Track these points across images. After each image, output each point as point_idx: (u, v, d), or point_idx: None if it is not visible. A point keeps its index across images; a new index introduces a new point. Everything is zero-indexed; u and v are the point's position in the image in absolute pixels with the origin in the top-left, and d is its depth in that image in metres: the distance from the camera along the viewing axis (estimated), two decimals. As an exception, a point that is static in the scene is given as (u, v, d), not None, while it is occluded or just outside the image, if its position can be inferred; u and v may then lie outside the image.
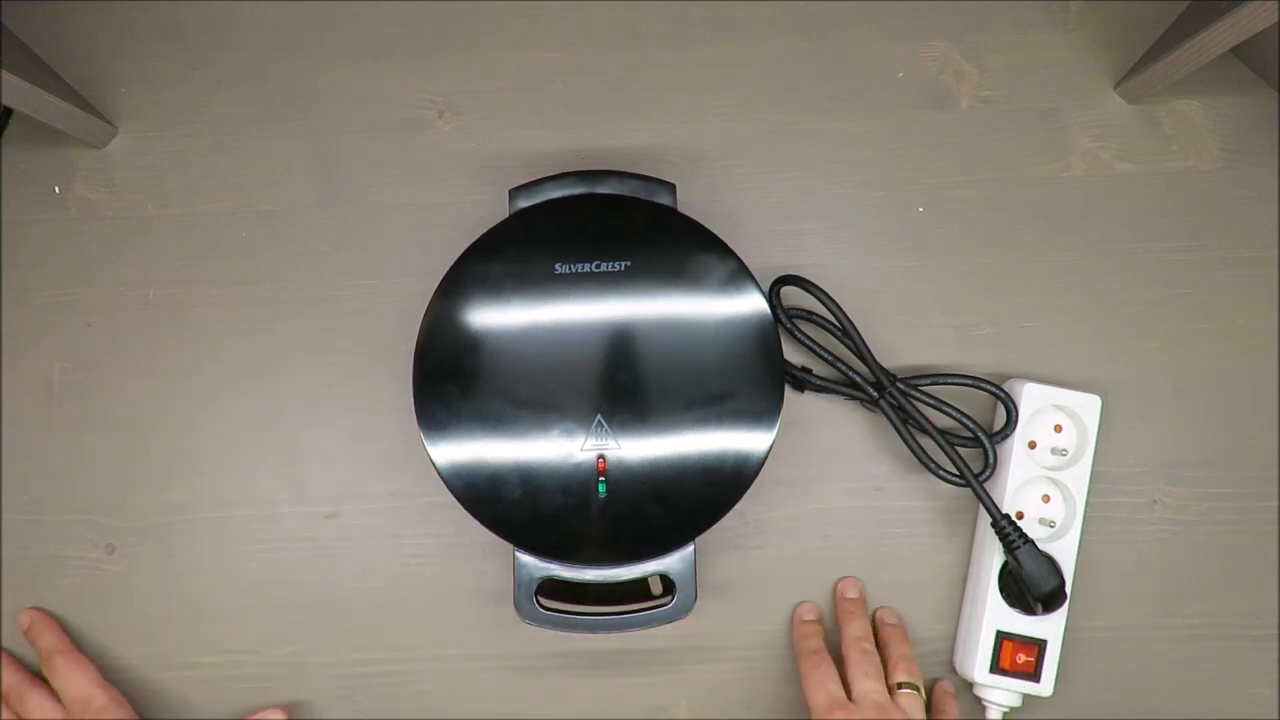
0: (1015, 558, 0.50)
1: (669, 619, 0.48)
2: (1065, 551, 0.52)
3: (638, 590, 0.50)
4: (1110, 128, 0.57)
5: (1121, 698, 0.54)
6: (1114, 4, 0.57)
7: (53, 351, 0.56)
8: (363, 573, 0.55)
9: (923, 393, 0.53)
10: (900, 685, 0.50)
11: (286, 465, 0.55)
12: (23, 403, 0.55)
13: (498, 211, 0.50)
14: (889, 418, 0.53)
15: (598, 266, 0.48)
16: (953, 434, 0.52)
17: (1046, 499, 0.53)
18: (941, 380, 0.53)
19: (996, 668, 0.51)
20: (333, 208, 0.57)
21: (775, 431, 0.47)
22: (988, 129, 0.57)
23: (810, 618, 0.54)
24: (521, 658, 0.54)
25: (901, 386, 0.52)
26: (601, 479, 0.47)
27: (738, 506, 0.48)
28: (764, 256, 0.54)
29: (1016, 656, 0.51)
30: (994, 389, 0.52)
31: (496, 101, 0.57)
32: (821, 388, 0.54)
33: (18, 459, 0.55)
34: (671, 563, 0.48)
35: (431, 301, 0.48)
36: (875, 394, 0.53)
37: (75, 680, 0.52)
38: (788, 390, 0.52)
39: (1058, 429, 0.53)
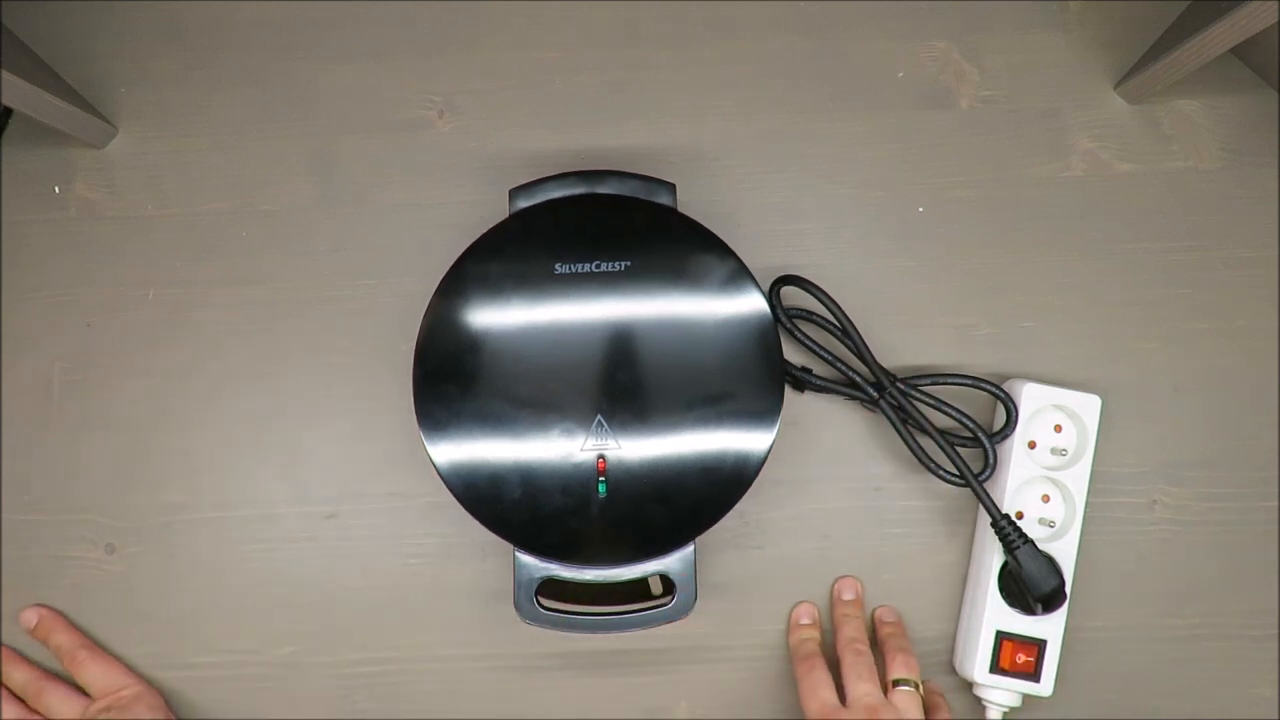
0: (1015, 558, 0.50)
1: (669, 619, 0.48)
2: (1065, 551, 0.52)
3: (638, 590, 0.50)
4: (1110, 128, 0.57)
5: (1121, 698, 0.54)
6: (1114, 4, 0.58)
7: (53, 351, 0.56)
8: (363, 573, 0.55)
9: (923, 393, 0.53)
10: (897, 683, 0.50)
11: (286, 465, 0.55)
12: (23, 403, 0.55)
13: (498, 211, 0.50)
14: (889, 418, 0.53)
15: (598, 266, 0.48)
16: (953, 434, 0.52)
17: (1046, 499, 0.53)
18: (941, 380, 0.53)
19: (996, 668, 0.51)
20: (333, 208, 0.57)
21: (775, 431, 0.47)
22: (988, 129, 0.57)
23: (806, 621, 0.54)
24: (521, 658, 0.54)
25: (901, 386, 0.52)
26: (601, 479, 0.47)
27: (738, 506, 0.47)
28: (764, 256, 0.54)
29: (1016, 656, 0.51)
30: (994, 389, 0.52)
31: (496, 101, 0.57)
32: (821, 388, 0.54)
33: (18, 459, 0.55)
34: (671, 563, 0.48)
35: (431, 301, 0.48)
36: (875, 394, 0.53)
37: (106, 672, 0.52)
38: (788, 390, 0.52)
39: (1058, 429, 0.53)
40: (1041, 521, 0.53)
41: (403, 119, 0.57)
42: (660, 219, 0.50)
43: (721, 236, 0.49)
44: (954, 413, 0.52)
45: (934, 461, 0.52)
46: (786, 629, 0.54)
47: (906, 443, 0.52)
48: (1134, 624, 0.54)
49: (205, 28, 0.58)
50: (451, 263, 0.49)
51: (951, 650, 0.54)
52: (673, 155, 0.57)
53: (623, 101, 0.57)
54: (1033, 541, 0.50)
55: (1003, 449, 0.53)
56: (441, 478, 0.47)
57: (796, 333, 0.53)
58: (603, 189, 0.50)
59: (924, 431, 0.52)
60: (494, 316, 0.48)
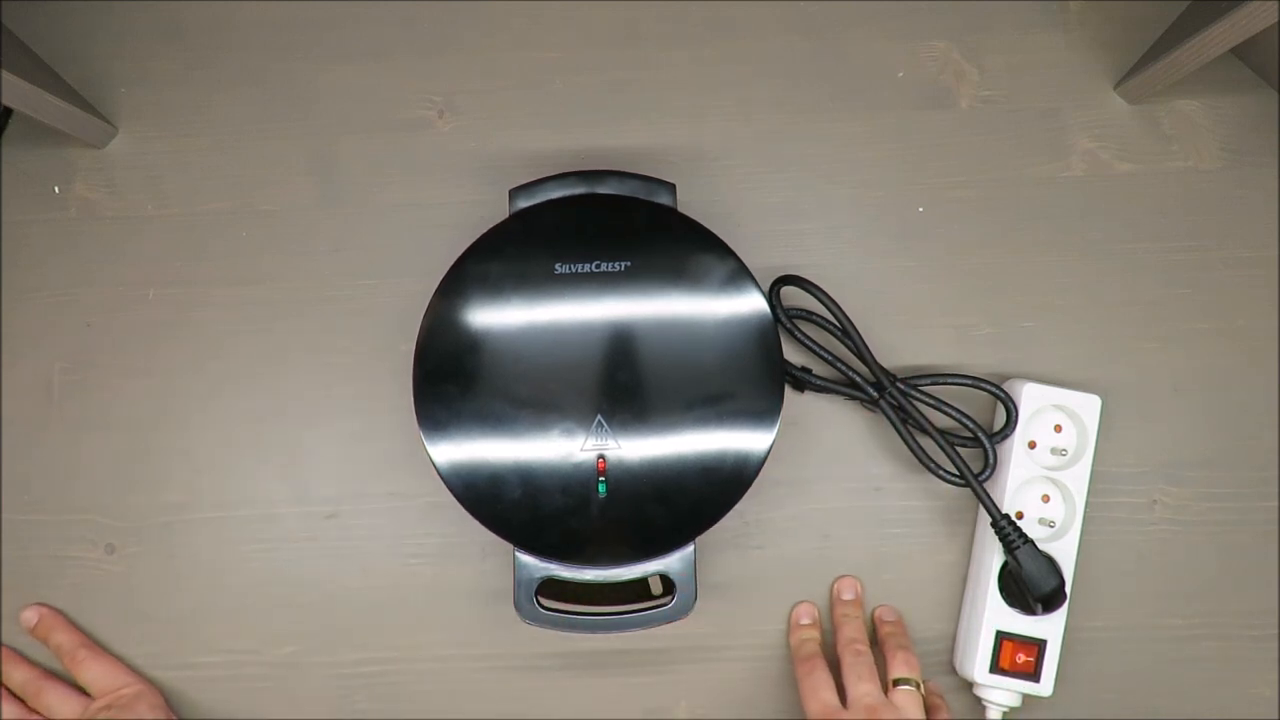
0: (1015, 558, 0.50)
1: (669, 619, 0.48)
2: (1065, 551, 0.52)
3: (638, 590, 0.50)
4: (1110, 128, 0.57)
5: (1121, 698, 0.54)
6: (1114, 4, 0.58)
7: (53, 351, 0.56)
8: (363, 573, 0.55)
9: (923, 393, 0.53)
10: (897, 682, 0.50)
11: (286, 465, 0.55)
12: (23, 403, 0.55)
13: (498, 211, 0.50)
14: (889, 418, 0.53)
15: (598, 266, 0.48)
16: (953, 434, 0.52)
17: (1046, 499, 0.53)
18: (941, 380, 0.53)
19: (996, 668, 0.51)
20: (333, 208, 0.57)
21: (775, 431, 0.47)
22: (988, 129, 0.57)
23: (806, 621, 0.54)
24: (521, 658, 0.54)
25: (901, 386, 0.52)
26: (601, 479, 0.47)
27: (738, 506, 0.47)
28: (764, 256, 0.54)
29: (1016, 656, 0.51)
30: (994, 389, 0.52)
31: (496, 101, 0.57)
32: (821, 388, 0.54)
33: (18, 459, 0.55)
34: (671, 563, 0.48)
35: (431, 301, 0.48)
36: (875, 394, 0.53)
37: (107, 671, 0.52)
38: (788, 390, 0.52)
39: (1058, 429, 0.53)
40: (1041, 521, 0.53)
41: (403, 119, 0.57)
42: (660, 219, 0.50)
43: (721, 236, 0.49)
44: (954, 413, 0.52)
45: (934, 461, 0.52)
46: (787, 629, 0.54)
47: (906, 443, 0.52)
48: (1134, 624, 0.54)
49: (205, 28, 0.58)
50: (451, 263, 0.49)
51: (951, 650, 0.54)
52: (673, 155, 0.57)
53: (623, 101, 0.57)
54: (1033, 541, 0.50)
55: (1003, 449, 0.53)
56: (441, 478, 0.47)
57: (796, 333, 0.53)
58: (603, 189, 0.50)
59: (924, 431, 0.52)
60: (494, 316, 0.48)
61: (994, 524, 0.51)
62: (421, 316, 0.48)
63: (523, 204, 0.50)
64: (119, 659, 0.54)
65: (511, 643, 0.54)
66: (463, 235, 0.49)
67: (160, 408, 0.55)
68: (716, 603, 0.54)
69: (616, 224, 0.50)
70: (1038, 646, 0.51)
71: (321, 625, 0.54)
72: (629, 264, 0.49)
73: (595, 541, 0.47)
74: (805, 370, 0.54)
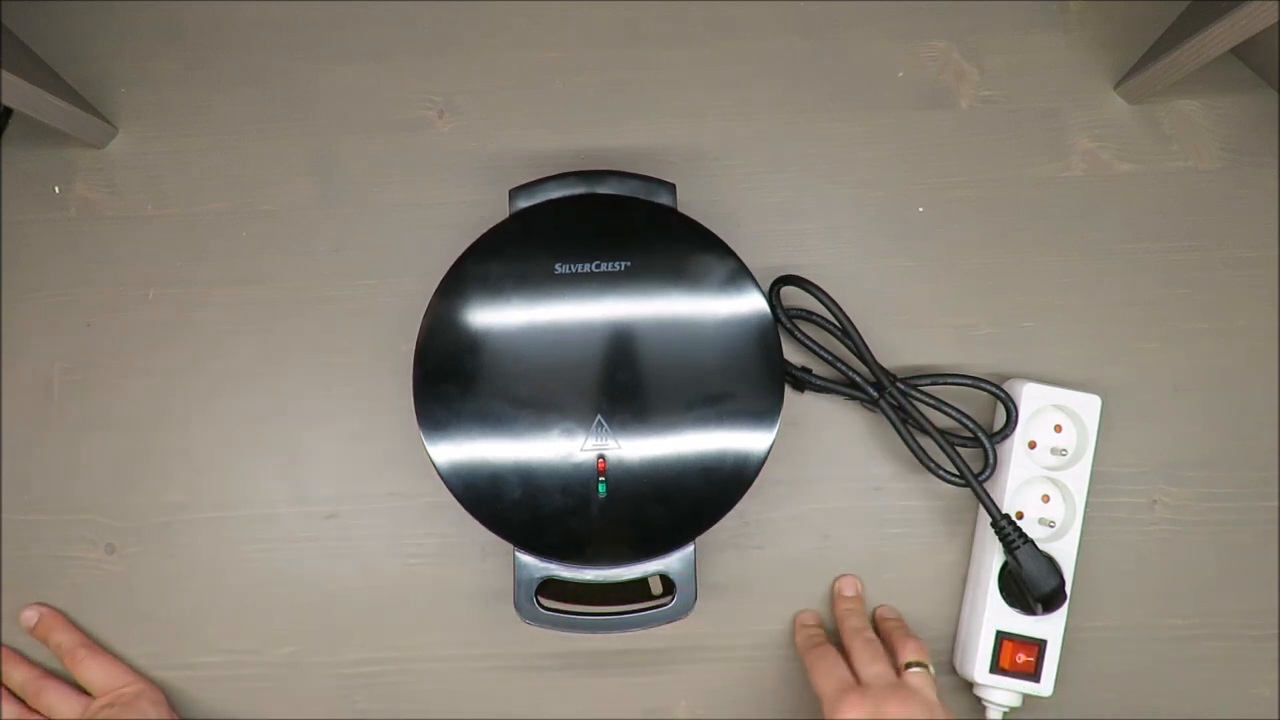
0: (1015, 558, 0.50)
1: (669, 619, 0.48)
2: (1065, 551, 0.52)
3: (638, 590, 0.50)
4: (1110, 128, 0.57)
5: (1121, 698, 0.54)
6: (1114, 4, 0.58)
7: (53, 351, 0.56)
8: (363, 573, 0.55)
9: (923, 393, 0.53)
10: (909, 665, 0.49)
11: (286, 465, 0.55)
12: (23, 403, 0.55)
13: (498, 211, 0.50)
14: (889, 418, 0.53)
15: (598, 266, 0.48)
16: (953, 434, 0.52)
17: (1046, 499, 0.53)
18: (941, 380, 0.53)
19: (996, 668, 0.51)
20: (333, 208, 0.57)
21: (775, 431, 0.47)
22: (988, 129, 0.57)
23: (811, 622, 0.54)
24: (521, 658, 0.54)
25: (901, 386, 0.52)
26: (601, 479, 0.47)
27: (738, 506, 0.48)
28: (764, 256, 0.54)
29: (1016, 656, 0.51)
30: (994, 389, 0.52)
31: (496, 101, 0.57)
32: (821, 388, 0.54)
33: (18, 459, 0.55)
34: (671, 563, 0.48)
35: (431, 301, 0.48)
36: (875, 394, 0.53)
37: (107, 670, 0.52)
38: (788, 390, 0.52)
39: (1058, 429, 0.53)
40: (1041, 521, 0.53)
41: (403, 119, 0.57)
42: (660, 219, 0.50)
43: (721, 236, 0.49)
44: (954, 413, 0.52)
45: (934, 461, 0.52)
46: (789, 627, 0.54)
47: (906, 443, 0.52)
48: (1134, 624, 0.54)
49: (205, 28, 0.58)
50: (451, 263, 0.49)
51: (951, 650, 0.54)
52: (673, 155, 0.57)
53: (623, 101, 0.57)
54: (1033, 541, 0.50)
55: (1003, 449, 0.53)
56: (441, 478, 0.47)
57: (796, 333, 0.53)
58: (603, 189, 0.50)
59: (924, 431, 0.52)
60: (494, 316, 0.48)
61: (994, 524, 0.51)
62: (421, 316, 0.48)
63: (523, 204, 0.50)
64: (119, 659, 0.54)
65: (511, 643, 0.54)
66: (463, 235, 0.49)
67: (160, 408, 0.55)
68: (716, 603, 0.54)
69: (616, 224, 0.50)
70: (1038, 646, 0.51)
71: (321, 625, 0.54)
72: (629, 264, 0.49)
73: (595, 541, 0.47)
74: (805, 370, 0.54)
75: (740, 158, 0.57)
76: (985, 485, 0.51)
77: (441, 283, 0.49)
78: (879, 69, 0.57)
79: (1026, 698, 0.52)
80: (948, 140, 0.57)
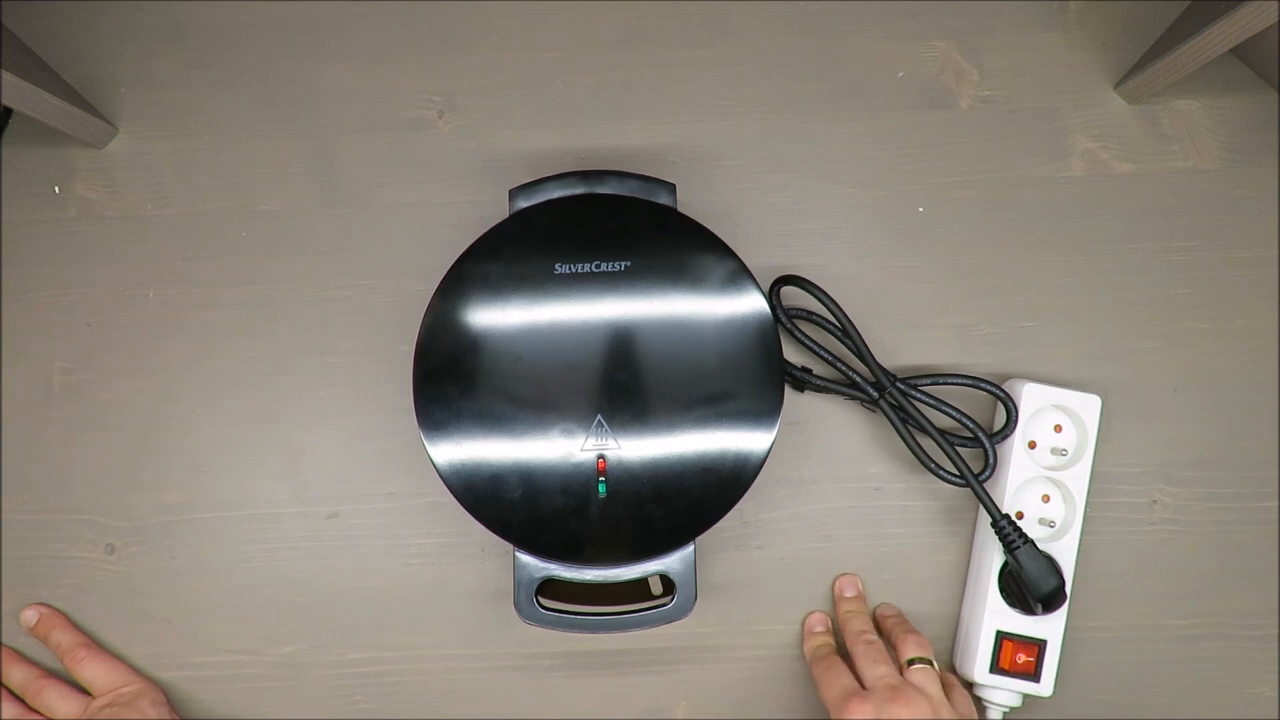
0: (1015, 558, 0.50)
1: (669, 619, 0.48)
2: (1065, 551, 0.52)
3: (638, 590, 0.50)
4: (1110, 128, 0.57)
5: (1121, 698, 0.54)
6: (1114, 4, 0.58)
7: (53, 351, 0.56)
8: (362, 573, 0.55)
9: (923, 393, 0.53)
10: (912, 662, 0.49)
11: (286, 465, 0.55)
12: (23, 403, 0.55)
13: (498, 211, 0.50)
14: (889, 418, 0.53)
15: (598, 266, 0.48)
16: (953, 434, 0.52)
17: (1046, 499, 0.53)
18: (941, 380, 0.53)
19: (996, 668, 0.51)
20: (333, 208, 0.57)
21: (775, 431, 0.47)
22: (988, 129, 0.57)
23: (820, 629, 0.54)
24: (521, 658, 0.54)
25: (901, 386, 0.52)
26: (601, 479, 0.47)
27: (738, 506, 0.47)
28: (764, 256, 0.54)
29: (1016, 656, 0.51)
30: (994, 389, 0.52)
31: (496, 101, 0.57)
32: (821, 388, 0.54)
33: (18, 459, 0.55)
34: (671, 563, 0.48)
35: (431, 301, 0.48)
36: (875, 394, 0.53)
37: (108, 670, 0.52)
38: (788, 390, 0.52)
39: (1058, 429, 0.53)
40: (1041, 521, 0.53)
41: (403, 119, 0.57)
42: (660, 219, 0.50)
43: (721, 236, 0.49)
44: (954, 413, 0.52)
45: (934, 461, 0.52)
46: (789, 626, 0.54)
47: (906, 443, 0.52)
48: (1134, 624, 0.54)
49: (205, 27, 0.58)
50: (451, 263, 0.49)
51: (951, 650, 0.54)
52: (673, 155, 0.57)
53: (623, 101, 0.57)
54: (1033, 541, 0.50)
55: (1003, 449, 0.53)
56: (441, 478, 0.47)
57: (796, 333, 0.53)
58: (603, 189, 0.50)
59: (924, 431, 0.52)
60: (494, 316, 0.48)
61: (994, 524, 0.51)
62: (421, 316, 0.48)
63: (523, 204, 0.50)
64: (119, 658, 0.54)
65: (511, 643, 0.54)
66: (463, 235, 0.49)
67: (160, 408, 0.55)
68: (716, 603, 0.54)
69: (616, 224, 0.50)
70: (1038, 646, 0.51)
71: (321, 625, 0.54)
72: (629, 264, 0.49)
73: (595, 541, 0.47)
74: (805, 370, 0.54)
75: (740, 158, 0.57)
76: (985, 485, 0.51)
77: (441, 283, 0.49)
78: (879, 69, 0.57)
79: (1026, 698, 0.52)
80: (948, 140, 0.57)
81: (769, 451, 0.47)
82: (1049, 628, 0.51)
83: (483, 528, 0.47)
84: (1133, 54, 0.56)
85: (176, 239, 0.56)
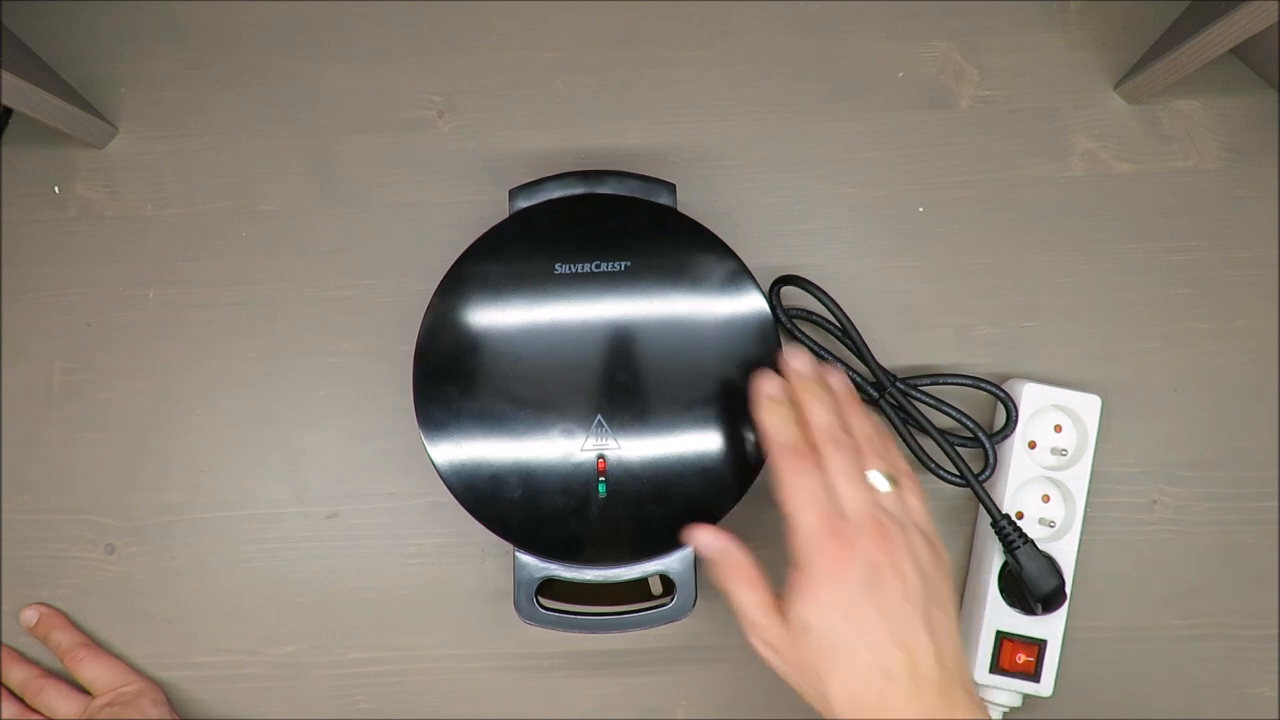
0: (1015, 558, 0.50)
1: (669, 619, 0.48)
2: (1065, 551, 0.52)
3: (638, 590, 0.50)
4: (1110, 128, 0.57)
5: (1121, 698, 0.54)
6: (1114, 4, 0.58)
7: (53, 351, 0.56)
8: (362, 573, 0.55)
9: (923, 393, 0.53)
10: (889, 478, 0.42)
11: (286, 465, 0.55)
12: (23, 403, 0.55)
13: (498, 211, 0.50)
14: (889, 418, 0.53)
15: (598, 266, 0.48)
16: (953, 434, 0.52)
17: (1046, 499, 0.53)
18: (941, 380, 0.53)
19: (996, 668, 0.51)
20: (333, 208, 0.57)
21: (775, 431, 0.47)
22: (988, 129, 0.57)
23: (777, 393, 0.43)
24: (521, 658, 0.54)
25: (901, 386, 0.52)
26: (601, 479, 0.47)
27: (737, 506, 0.47)
28: (764, 256, 0.54)
29: (1016, 656, 0.51)
30: (994, 389, 0.52)
31: (496, 101, 0.57)
32: (821, 388, 0.54)
33: (18, 459, 0.55)
34: (671, 563, 0.48)
35: (431, 301, 0.48)
36: (875, 394, 0.53)
37: (108, 669, 0.52)
38: (788, 390, 0.52)
39: (1058, 429, 0.53)
40: (1041, 521, 0.53)
41: (403, 119, 0.57)
42: (660, 219, 0.50)
43: (721, 236, 0.49)
44: (954, 413, 0.52)
45: (934, 461, 0.52)
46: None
47: (906, 443, 0.52)
48: (1134, 624, 0.54)
49: (205, 28, 0.58)
50: (451, 263, 0.49)
51: (951, 650, 0.54)
52: (673, 155, 0.57)
53: (623, 101, 0.57)
54: (1033, 541, 0.50)
55: (1003, 449, 0.53)
56: (441, 478, 0.47)
57: (796, 333, 0.53)
58: (603, 189, 0.50)
59: (924, 431, 0.52)
60: (494, 316, 0.48)
61: (994, 524, 0.51)
62: (421, 316, 0.48)
63: (523, 204, 0.50)
64: (119, 658, 0.54)
65: (511, 643, 0.54)
66: (463, 235, 0.49)
67: (160, 408, 0.55)
68: (716, 603, 0.54)
69: (616, 224, 0.50)
70: (1038, 646, 0.51)
71: (321, 625, 0.54)
72: (629, 264, 0.49)
73: (595, 541, 0.47)
74: (805, 370, 0.54)
75: (740, 158, 0.57)
76: (985, 485, 0.51)
77: (441, 283, 0.49)
78: (879, 69, 0.57)
79: (1026, 698, 0.52)
80: (948, 140, 0.57)
81: (769, 451, 0.47)
82: (1049, 628, 0.51)
83: (483, 528, 0.47)
84: (1133, 54, 0.56)
85: (176, 239, 0.56)
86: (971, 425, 0.52)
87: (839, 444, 0.42)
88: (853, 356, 0.53)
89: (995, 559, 0.52)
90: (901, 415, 0.53)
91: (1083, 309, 0.56)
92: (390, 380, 0.55)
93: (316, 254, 0.56)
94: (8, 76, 0.48)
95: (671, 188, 0.51)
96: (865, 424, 0.44)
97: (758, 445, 0.47)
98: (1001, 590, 0.51)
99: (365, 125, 0.57)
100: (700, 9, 0.58)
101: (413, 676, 0.54)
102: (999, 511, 0.51)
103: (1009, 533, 0.50)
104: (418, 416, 0.47)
